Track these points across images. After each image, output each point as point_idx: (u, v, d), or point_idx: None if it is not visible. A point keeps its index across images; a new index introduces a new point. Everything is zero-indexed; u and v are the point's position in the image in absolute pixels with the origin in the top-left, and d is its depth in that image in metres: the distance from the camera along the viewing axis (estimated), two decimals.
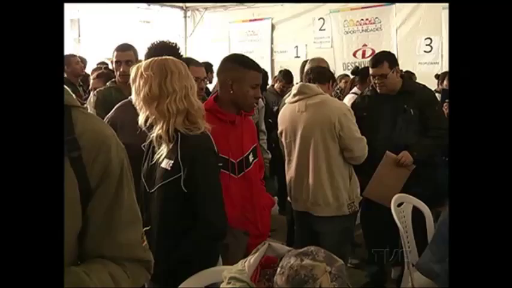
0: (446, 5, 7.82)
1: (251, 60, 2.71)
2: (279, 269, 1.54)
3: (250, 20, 9.85)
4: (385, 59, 3.74)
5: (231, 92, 2.59)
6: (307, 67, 3.94)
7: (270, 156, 4.79)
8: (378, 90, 3.75)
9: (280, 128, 3.47)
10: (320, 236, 3.33)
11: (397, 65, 3.77)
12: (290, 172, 3.42)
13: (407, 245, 3.24)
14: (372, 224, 3.94)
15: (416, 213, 3.41)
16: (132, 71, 2.15)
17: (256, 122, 4.53)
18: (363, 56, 8.64)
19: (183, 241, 2.11)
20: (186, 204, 2.12)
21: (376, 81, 3.72)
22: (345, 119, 3.21)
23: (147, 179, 2.24)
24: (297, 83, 4.16)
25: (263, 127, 4.90)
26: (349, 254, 4.47)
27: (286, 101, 3.49)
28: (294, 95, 3.36)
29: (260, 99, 4.84)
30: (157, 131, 2.14)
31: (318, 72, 3.45)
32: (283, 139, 3.46)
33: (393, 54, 3.87)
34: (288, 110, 3.40)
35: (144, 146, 2.34)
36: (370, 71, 3.79)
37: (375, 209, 3.66)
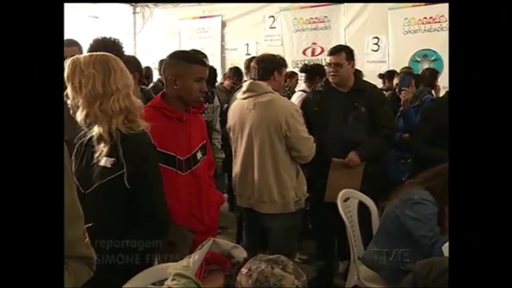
0: (392, 5, 8.05)
1: (193, 54, 2.71)
2: (246, 270, 1.53)
3: (201, 17, 9.81)
4: (344, 50, 3.81)
5: (176, 87, 2.59)
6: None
7: (223, 156, 4.77)
8: (330, 79, 3.79)
9: (229, 124, 3.48)
10: (267, 232, 3.35)
11: (354, 60, 3.84)
12: (236, 168, 3.43)
13: (354, 239, 3.30)
14: (319, 219, 4.00)
15: (363, 207, 3.50)
16: (67, 66, 2.04)
17: (210, 121, 4.53)
18: (313, 54, 8.77)
19: (128, 239, 2.07)
20: (129, 202, 2.09)
21: (330, 70, 3.76)
22: (292, 120, 3.21)
23: (81, 180, 2.12)
24: (245, 81, 4.17)
25: (217, 126, 4.86)
26: (297, 249, 4.55)
27: (237, 96, 3.48)
28: (244, 92, 3.36)
29: (216, 99, 4.84)
30: (97, 130, 2.08)
31: (263, 68, 3.39)
32: (231, 134, 3.46)
33: (352, 50, 3.92)
34: (237, 106, 3.41)
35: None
36: (327, 59, 3.84)
37: (322, 204, 3.71)
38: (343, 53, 3.74)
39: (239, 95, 3.45)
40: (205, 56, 3.78)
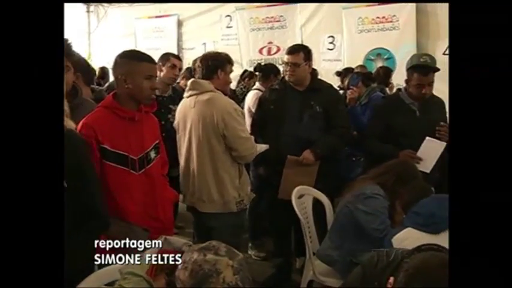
0: (347, 5, 8.20)
1: (142, 52, 2.71)
2: (181, 264, 1.55)
3: (156, 17, 9.74)
4: (302, 50, 3.84)
5: (126, 86, 2.57)
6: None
7: None
8: (287, 78, 3.83)
9: (175, 122, 3.45)
10: (210, 231, 3.32)
11: (311, 61, 3.89)
12: (180, 167, 3.40)
13: (309, 235, 3.36)
14: (276, 217, 4.03)
15: (318, 204, 3.55)
16: None
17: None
18: (269, 53, 8.83)
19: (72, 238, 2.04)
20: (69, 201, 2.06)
21: (288, 69, 3.79)
22: (229, 118, 3.17)
23: None
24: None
25: None
26: (255, 247, 4.59)
27: (184, 95, 3.45)
28: (187, 91, 3.35)
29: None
30: None
31: (207, 67, 3.33)
32: (177, 133, 3.44)
33: (310, 50, 3.96)
34: (182, 105, 3.39)
35: None
36: (285, 57, 3.86)
37: (279, 202, 3.74)
38: (301, 53, 3.77)
39: (185, 93, 3.42)
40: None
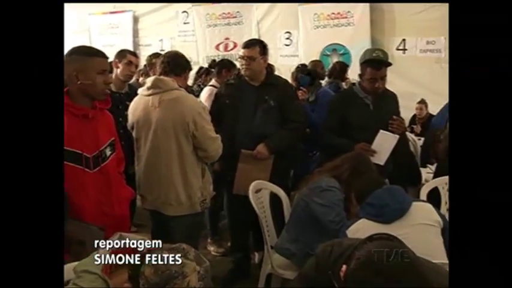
0: None
1: (93, 47, 2.66)
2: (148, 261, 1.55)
3: (111, 12, 9.60)
4: (258, 44, 3.86)
5: (79, 82, 2.53)
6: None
7: None
8: (243, 72, 3.84)
9: (130, 121, 3.32)
10: (170, 231, 3.29)
11: (267, 55, 3.91)
12: (139, 168, 3.30)
13: (266, 229, 3.39)
14: (234, 212, 4.05)
15: (276, 198, 3.59)
16: None
17: None
18: (226, 49, 8.84)
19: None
20: None
21: (243, 63, 3.80)
22: (199, 118, 3.14)
23: None
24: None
25: None
26: (214, 243, 4.60)
27: (139, 92, 3.33)
28: (148, 88, 3.23)
29: None
30: None
31: (173, 63, 3.28)
32: (133, 133, 3.32)
33: (266, 44, 3.98)
34: (140, 103, 3.26)
35: None
36: (241, 52, 3.87)
37: (236, 197, 3.76)
38: (257, 47, 3.79)
39: (142, 91, 3.31)
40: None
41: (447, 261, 2.36)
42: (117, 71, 4.12)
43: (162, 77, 3.25)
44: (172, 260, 1.52)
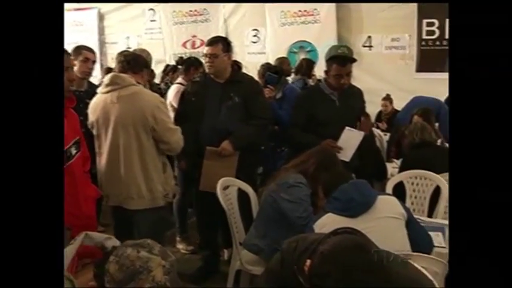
0: None
1: None
2: (113, 258, 1.53)
3: (75, 10, 9.43)
4: (221, 41, 3.85)
5: None
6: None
7: None
8: (207, 70, 3.85)
9: (90, 119, 3.30)
10: (135, 227, 3.29)
11: (231, 52, 3.91)
12: (101, 166, 3.30)
13: (235, 225, 3.40)
14: (202, 209, 4.04)
15: (243, 194, 3.61)
16: None
17: None
18: (193, 46, 8.80)
19: None
20: None
21: (207, 60, 3.80)
22: (158, 112, 3.16)
23: None
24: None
25: None
26: (183, 241, 4.59)
27: (98, 90, 3.31)
28: (106, 85, 3.22)
29: None
30: None
31: (130, 61, 3.30)
32: (94, 131, 3.31)
33: (229, 41, 3.99)
34: (99, 101, 3.25)
35: None
36: (205, 49, 3.87)
37: (204, 194, 3.75)
38: (220, 44, 3.79)
39: (100, 89, 3.29)
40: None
41: (411, 252, 2.44)
42: (74, 69, 4.06)
43: (118, 73, 3.25)
44: (137, 256, 1.52)
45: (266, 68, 4.89)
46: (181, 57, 5.77)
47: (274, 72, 4.71)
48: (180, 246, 4.57)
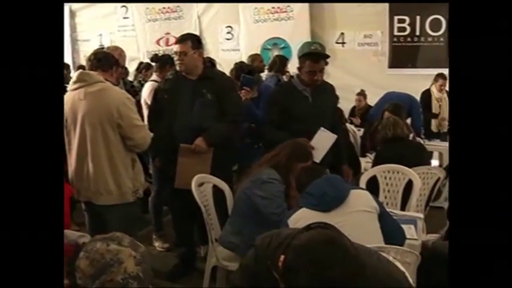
0: None
1: None
2: (83, 253, 1.52)
3: None
4: (190, 38, 3.84)
5: None
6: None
7: None
8: (178, 68, 3.84)
9: None
10: (106, 223, 3.28)
11: (201, 49, 3.91)
12: (71, 162, 3.31)
13: (210, 222, 3.41)
14: (177, 207, 4.04)
15: (219, 191, 3.61)
16: None
17: None
18: (167, 44, 8.75)
19: None
20: None
21: (177, 58, 3.80)
22: (123, 108, 3.17)
23: None
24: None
25: None
26: (159, 238, 4.58)
27: (68, 88, 3.32)
28: (74, 83, 3.24)
29: None
30: None
31: (100, 59, 3.33)
32: (65, 128, 3.26)
33: (199, 38, 4.00)
34: (69, 98, 3.25)
35: None
36: (174, 47, 3.87)
37: (179, 191, 3.75)
38: (189, 41, 3.78)
39: (69, 86, 3.31)
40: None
41: (383, 245, 2.48)
42: None
43: (86, 70, 3.29)
44: (106, 249, 1.52)
45: (239, 68, 4.87)
46: (155, 55, 5.73)
47: (247, 72, 4.70)
48: (156, 244, 4.56)
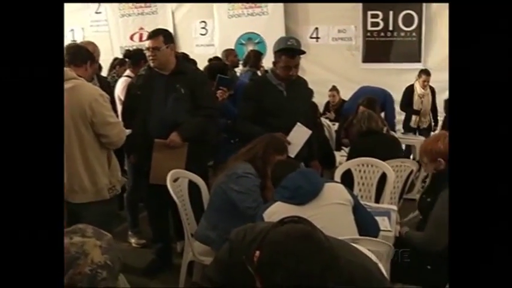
0: None
1: None
2: None
3: None
4: (162, 33, 3.82)
5: None
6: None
7: None
8: (150, 63, 3.82)
9: None
10: (82, 221, 3.24)
11: (173, 43, 3.90)
12: None
13: (186, 217, 3.41)
14: (154, 202, 4.03)
15: (194, 186, 3.62)
16: None
17: None
18: (140, 39, 8.65)
19: None
20: None
21: (149, 54, 3.78)
22: (96, 105, 3.09)
23: None
24: None
25: None
26: (135, 235, 4.56)
27: None
28: None
29: None
30: None
31: (73, 53, 3.22)
32: None
33: (171, 33, 3.99)
34: None
35: None
36: (146, 43, 3.84)
37: (155, 187, 3.75)
38: (161, 36, 3.76)
39: None
40: None
41: (357, 237, 2.52)
42: None
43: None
44: (70, 243, 1.50)
45: (213, 68, 4.84)
46: (128, 50, 5.69)
47: (221, 71, 4.69)
48: (132, 240, 4.54)
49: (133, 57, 4.95)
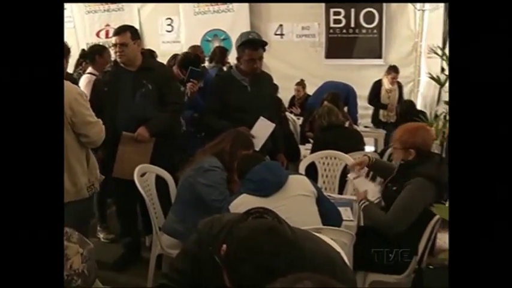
0: None
1: None
2: None
3: None
4: (129, 29, 3.84)
5: None
6: None
7: None
8: (118, 59, 3.83)
9: None
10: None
11: (140, 39, 3.92)
12: None
13: (154, 211, 3.46)
14: (122, 197, 4.06)
15: (161, 180, 3.68)
16: None
17: None
18: (107, 36, 8.58)
19: None
20: None
21: (117, 50, 3.79)
22: (76, 104, 3.02)
23: None
24: None
25: None
26: (103, 230, 4.58)
27: None
28: None
29: None
30: None
31: None
32: None
33: (137, 29, 4.02)
34: None
35: None
36: (113, 39, 3.85)
37: (122, 182, 3.77)
38: (128, 32, 3.79)
39: None
40: None
41: (321, 226, 2.62)
42: None
43: None
44: None
45: (188, 60, 4.85)
46: (83, 49, 5.66)
47: (193, 63, 4.72)
48: (100, 235, 4.55)
49: (88, 56, 4.94)
